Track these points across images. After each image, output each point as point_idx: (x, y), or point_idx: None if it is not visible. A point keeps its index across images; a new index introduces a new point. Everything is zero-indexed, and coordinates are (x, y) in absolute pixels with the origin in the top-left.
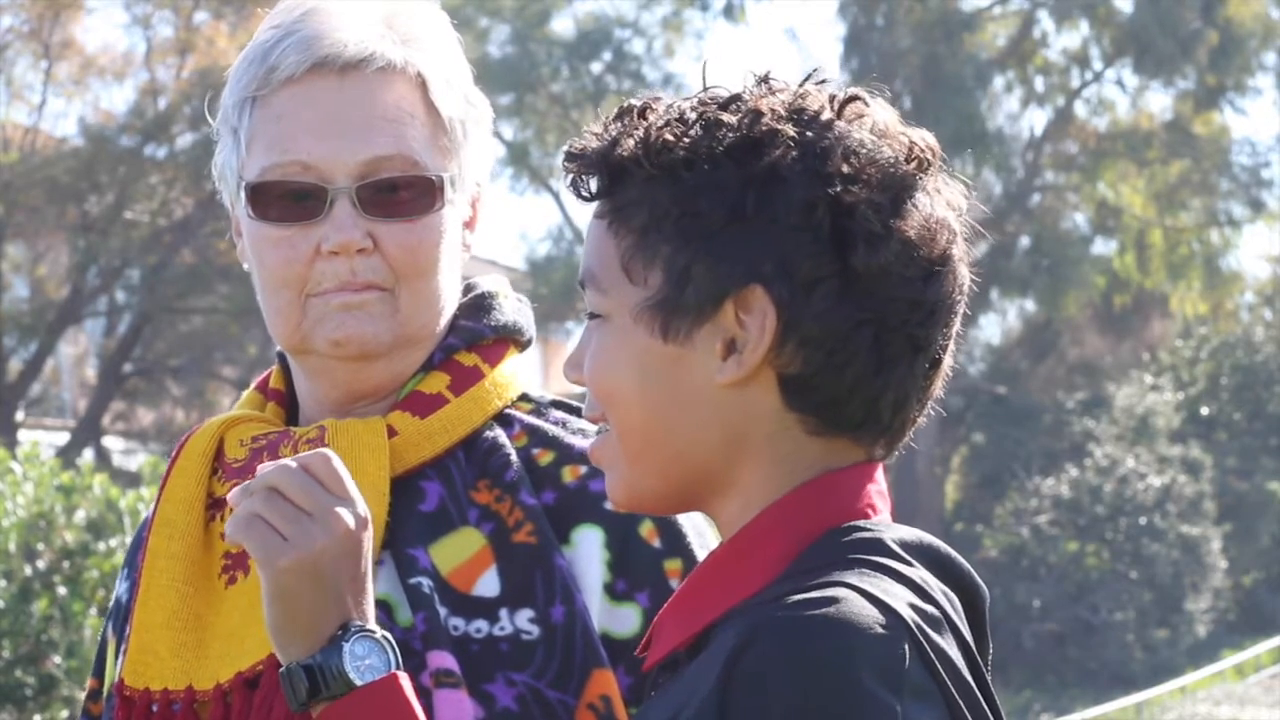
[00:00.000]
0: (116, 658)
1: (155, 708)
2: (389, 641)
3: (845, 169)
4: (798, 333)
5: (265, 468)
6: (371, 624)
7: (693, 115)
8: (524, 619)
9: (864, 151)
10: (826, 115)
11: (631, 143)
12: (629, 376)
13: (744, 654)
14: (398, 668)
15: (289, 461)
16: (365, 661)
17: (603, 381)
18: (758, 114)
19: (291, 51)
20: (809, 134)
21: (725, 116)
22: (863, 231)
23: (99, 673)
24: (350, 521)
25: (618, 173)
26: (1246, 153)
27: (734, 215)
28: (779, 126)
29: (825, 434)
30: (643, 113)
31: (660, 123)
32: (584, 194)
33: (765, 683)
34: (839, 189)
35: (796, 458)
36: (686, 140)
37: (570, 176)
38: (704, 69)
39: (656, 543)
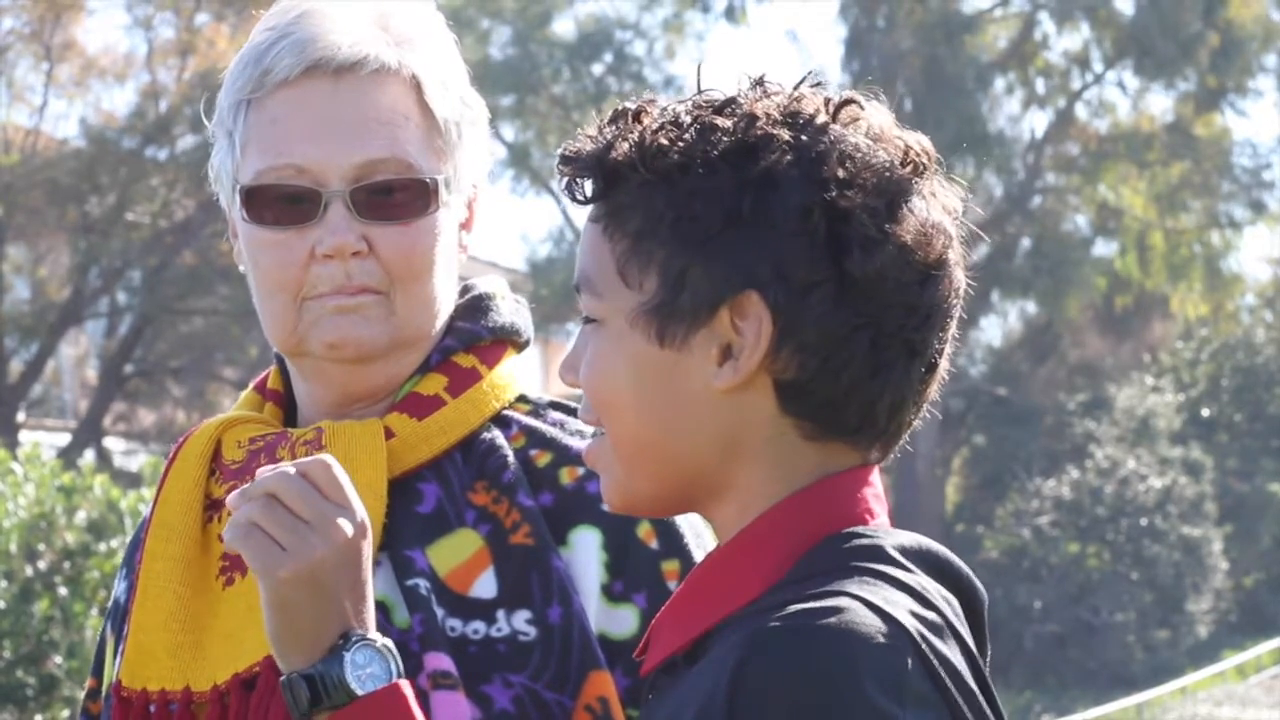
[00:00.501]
0: (115, 658)
1: (153, 709)
2: (390, 650)
3: (840, 174)
4: (794, 338)
5: (264, 472)
6: (373, 632)
7: (687, 119)
8: (521, 620)
9: (859, 156)
10: (821, 119)
11: (626, 146)
12: (624, 382)
13: (747, 664)
14: (399, 676)
15: (288, 467)
16: (366, 670)
17: (598, 386)
18: (752, 118)
19: (286, 54)
20: (804, 138)
21: (720, 120)
22: (858, 237)
23: (98, 672)
24: (349, 530)
25: (612, 176)
26: (1247, 154)
27: (729, 220)
28: (774, 131)
29: (822, 438)
30: (637, 116)
31: (655, 126)
32: (579, 197)
33: (768, 693)
34: (834, 194)
35: (793, 462)
36: (681, 144)
37: (565, 179)
38: (698, 71)
39: (654, 544)
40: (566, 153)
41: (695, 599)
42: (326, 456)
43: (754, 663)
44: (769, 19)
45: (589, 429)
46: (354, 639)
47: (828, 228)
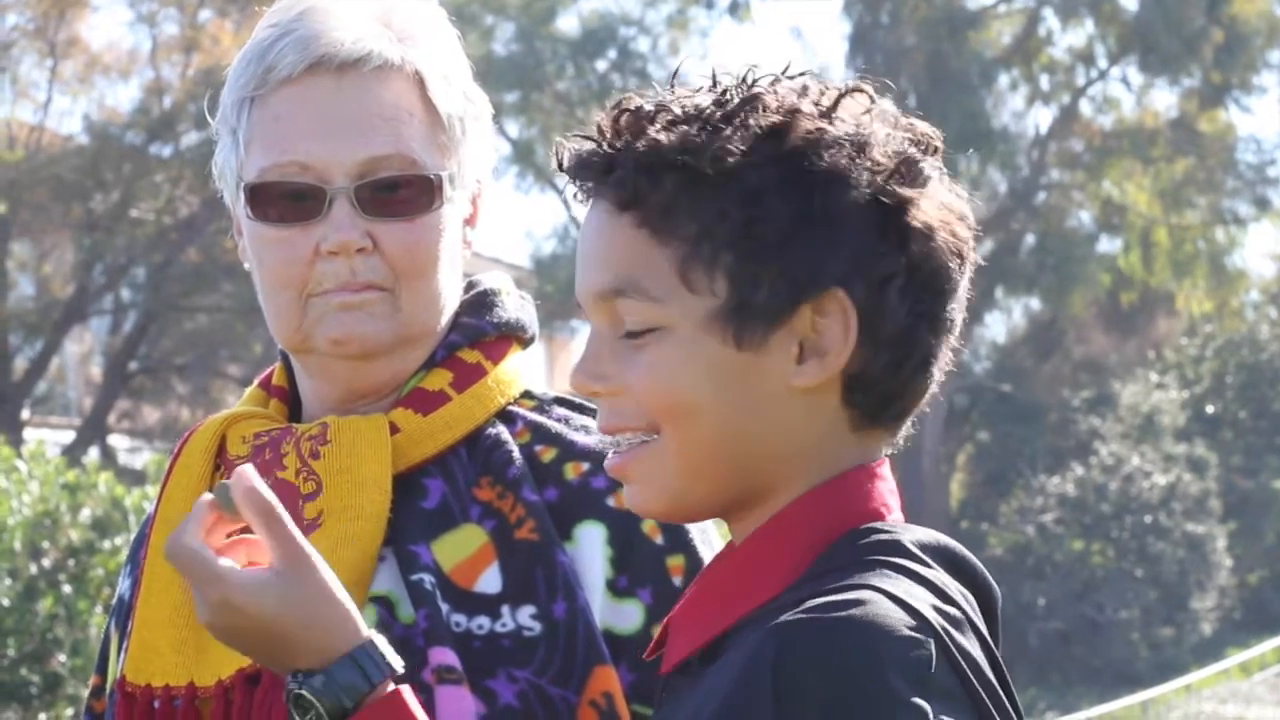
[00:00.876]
0: (119, 654)
1: (157, 704)
2: (358, 658)
3: (887, 162)
4: (873, 332)
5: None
6: (311, 658)
7: (731, 116)
8: (526, 615)
9: (891, 144)
10: (853, 110)
11: (666, 146)
12: (701, 388)
13: (774, 661)
14: (376, 677)
15: (186, 530)
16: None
17: (668, 394)
18: (796, 112)
19: (289, 51)
20: (847, 130)
21: (761, 118)
22: (916, 225)
23: (102, 669)
24: (225, 590)
25: (653, 177)
26: (1252, 150)
27: (801, 218)
28: (822, 125)
29: (865, 428)
30: (653, 115)
31: (703, 127)
32: (616, 201)
33: (796, 688)
34: (887, 183)
35: (834, 454)
36: (738, 144)
37: (588, 183)
38: (675, 73)
39: (659, 539)
40: (591, 155)
41: (713, 598)
42: (240, 476)
43: (779, 659)
44: (773, 15)
45: (594, 424)
46: (293, 681)
47: (886, 219)
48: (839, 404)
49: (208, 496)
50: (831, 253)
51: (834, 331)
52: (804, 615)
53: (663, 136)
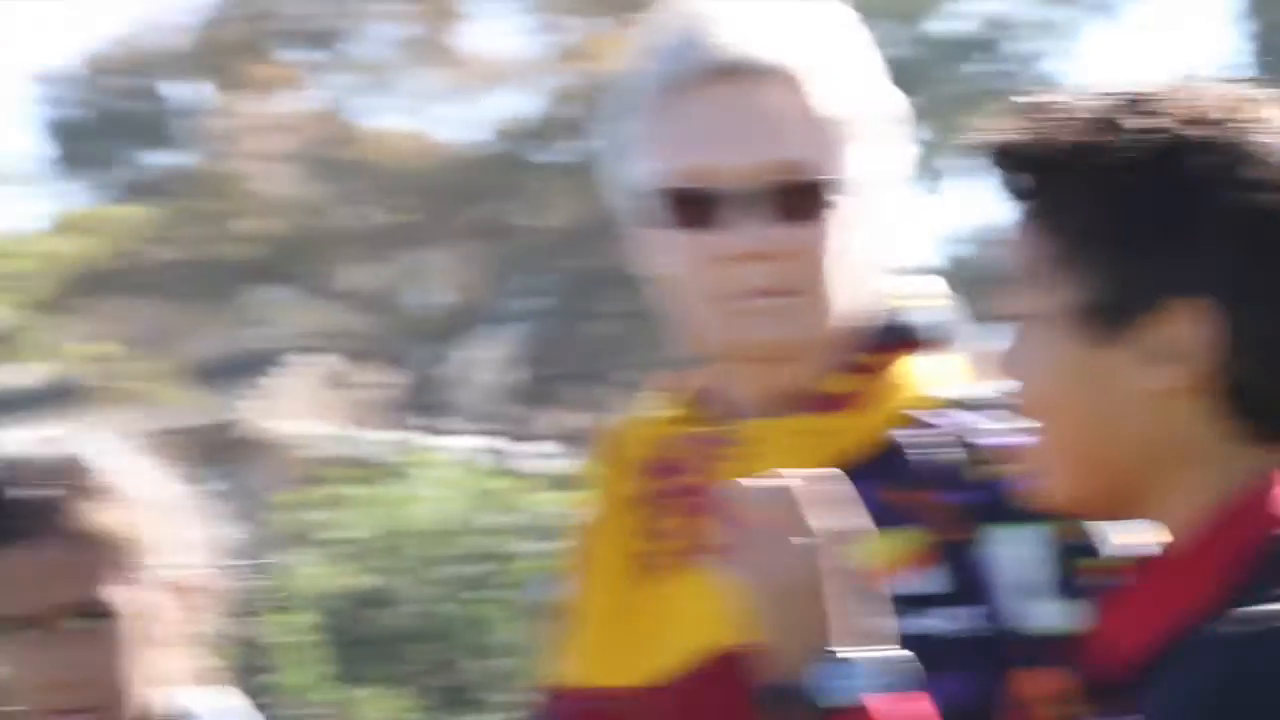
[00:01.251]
0: (555, 658)
1: (594, 705)
2: (873, 659)
3: (1270, 176)
4: (1239, 340)
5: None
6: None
7: (1116, 117)
8: (951, 618)
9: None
10: (1243, 119)
11: (1063, 142)
12: (1062, 382)
13: (1227, 678)
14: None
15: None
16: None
17: (1035, 386)
18: (1189, 119)
19: (686, 57)
20: (1234, 140)
21: (1153, 120)
22: None
23: (540, 673)
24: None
25: (1048, 172)
26: None
27: (1172, 222)
28: (1211, 133)
29: (1262, 440)
30: (1059, 110)
31: (1090, 125)
32: (1014, 192)
33: (1247, 707)
34: (1268, 196)
35: (1233, 465)
36: (1118, 144)
37: (996, 173)
38: (1085, 69)
39: (1080, 540)
40: (998, 146)
41: (1143, 606)
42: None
43: (1239, 674)
44: (1163, 17)
45: (1004, 426)
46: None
47: (1263, 229)
48: (1216, 413)
49: (754, 488)
50: (1198, 259)
51: (1195, 338)
52: (1253, 630)
53: (1060, 135)
